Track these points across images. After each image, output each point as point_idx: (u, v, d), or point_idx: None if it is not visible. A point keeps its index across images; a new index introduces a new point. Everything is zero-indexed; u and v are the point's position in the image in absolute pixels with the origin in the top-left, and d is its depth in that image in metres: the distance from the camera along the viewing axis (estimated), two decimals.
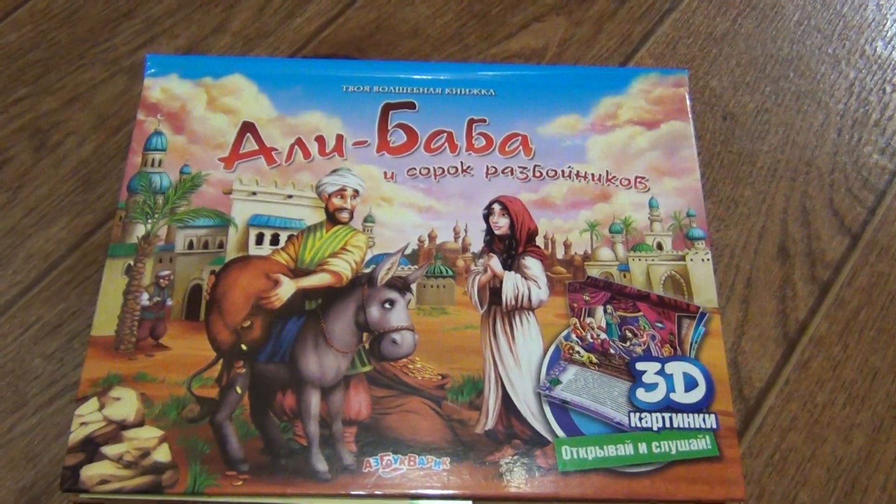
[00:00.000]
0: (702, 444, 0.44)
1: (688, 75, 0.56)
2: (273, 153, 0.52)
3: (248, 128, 0.53)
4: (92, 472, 0.43)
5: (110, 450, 0.43)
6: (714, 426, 0.44)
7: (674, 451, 0.44)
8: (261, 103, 0.54)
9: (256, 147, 0.53)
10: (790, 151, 0.56)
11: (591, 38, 0.61)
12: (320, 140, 0.53)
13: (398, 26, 0.61)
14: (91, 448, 0.43)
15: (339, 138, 0.53)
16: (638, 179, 0.52)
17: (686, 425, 0.44)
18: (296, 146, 0.53)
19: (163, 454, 0.44)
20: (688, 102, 0.54)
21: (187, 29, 0.61)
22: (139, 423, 0.44)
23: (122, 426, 0.44)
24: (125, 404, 0.45)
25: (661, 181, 0.52)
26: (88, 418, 0.44)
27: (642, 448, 0.44)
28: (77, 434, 0.44)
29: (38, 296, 0.50)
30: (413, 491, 0.43)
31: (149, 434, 0.44)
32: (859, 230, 0.53)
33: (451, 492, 0.43)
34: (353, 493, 0.43)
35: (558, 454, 0.44)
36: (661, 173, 0.52)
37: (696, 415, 0.45)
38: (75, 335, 0.49)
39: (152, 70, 0.55)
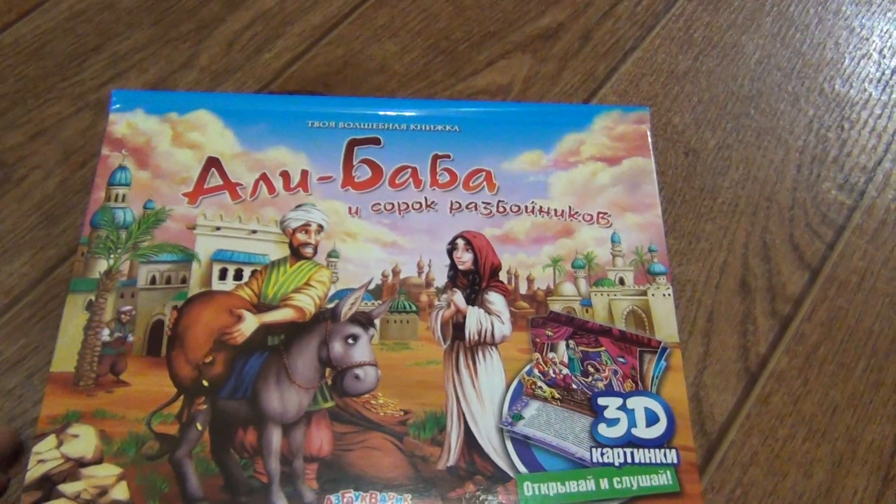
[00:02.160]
0: (663, 479, 0.44)
1: (649, 112, 0.57)
2: (238, 188, 0.53)
3: (212, 163, 0.53)
4: None
5: (67, 488, 0.43)
6: (675, 461, 0.44)
7: (635, 487, 0.44)
8: (226, 138, 0.54)
9: (221, 182, 0.53)
10: (751, 187, 0.57)
11: (555, 75, 0.62)
12: (285, 175, 0.53)
13: (365, 63, 0.62)
14: (48, 486, 0.43)
15: (305, 174, 0.53)
16: (600, 215, 0.53)
17: (647, 460, 0.45)
18: (260, 181, 0.53)
19: (121, 492, 0.43)
20: (649, 139, 0.55)
21: (155, 64, 0.61)
22: (97, 461, 0.44)
23: (80, 464, 0.44)
24: (83, 441, 0.44)
25: (622, 217, 0.52)
26: (46, 455, 0.44)
27: (604, 484, 0.44)
28: (34, 472, 0.43)
29: None
30: None
31: (107, 472, 0.44)
32: (819, 265, 0.53)
33: None
34: None
35: (520, 490, 0.44)
36: (622, 209, 0.53)
37: (657, 450, 0.45)
38: (35, 371, 0.49)
39: (118, 105, 0.55)
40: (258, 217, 0.52)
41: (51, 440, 0.44)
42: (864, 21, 0.66)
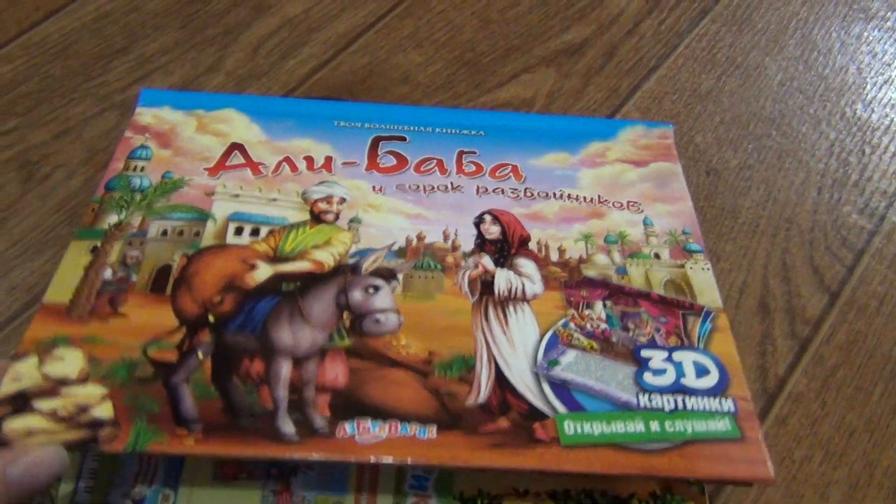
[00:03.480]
0: (720, 425, 0.41)
1: (672, 129, 0.58)
2: (260, 167, 0.52)
3: (236, 146, 0.53)
4: (17, 423, 0.38)
5: (43, 404, 0.39)
6: (732, 409, 0.41)
7: (689, 431, 0.41)
8: (251, 130, 0.54)
9: (243, 161, 0.52)
10: (771, 208, 0.57)
11: (579, 90, 0.62)
12: (309, 159, 0.53)
13: (390, 72, 0.62)
14: (21, 402, 0.39)
15: (329, 158, 0.53)
16: (630, 203, 0.52)
17: (701, 407, 0.42)
18: (283, 162, 0.52)
19: (104, 410, 0.39)
20: (674, 151, 0.55)
21: (181, 67, 0.62)
22: (82, 381, 0.40)
23: (62, 383, 0.40)
24: (68, 363, 0.41)
25: (653, 206, 0.51)
26: (24, 374, 0.40)
27: (654, 426, 0.41)
28: (7, 388, 0.39)
29: (19, 329, 0.50)
30: (394, 460, 0.39)
31: (91, 391, 0.40)
32: (838, 288, 0.53)
33: (439, 463, 0.39)
34: (324, 458, 0.39)
35: (560, 428, 0.41)
36: (653, 200, 0.52)
37: (711, 398, 0.42)
38: None
39: (145, 103, 0.55)
40: (279, 188, 0.51)
41: (32, 360, 0.41)
42: (886, 47, 0.66)
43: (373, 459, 0.39)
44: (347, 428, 0.40)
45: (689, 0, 0.68)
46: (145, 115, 0.54)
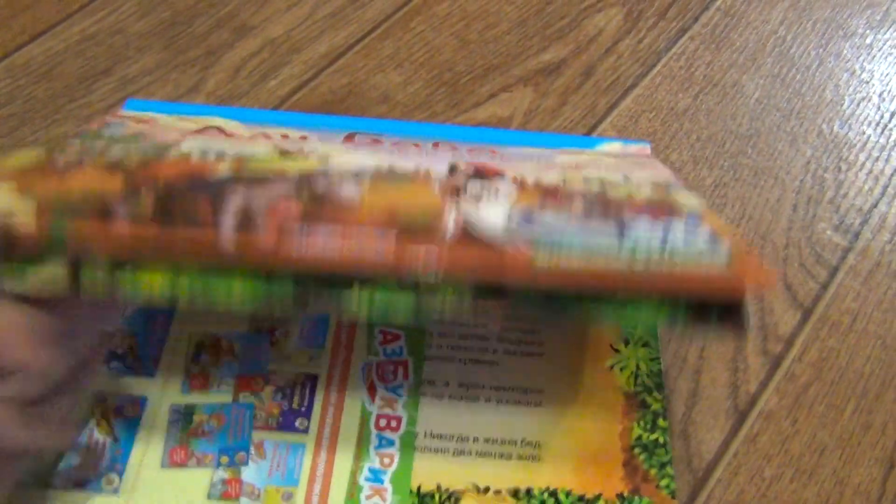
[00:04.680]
0: (711, 253, 0.34)
1: (650, 147, 0.58)
2: (235, 135, 0.51)
3: (214, 127, 0.52)
4: None
5: None
6: (727, 246, 0.34)
7: (679, 254, 0.34)
8: (233, 124, 0.54)
9: (216, 130, 0.51)
10: (746, 226, 0.57)
11: (555, 109, 0.62)
12: (285, 136, 0.52)
13: (369, 92, 0.63)
14: None
15: (304, 137, 0.52)
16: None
17: (691, 243, 0.35)
18: (260, 136, 0.51)
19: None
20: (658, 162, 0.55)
21: (163, 88, 0.63)
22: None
23: None
24: None
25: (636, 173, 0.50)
26: None
27: (639, 255, 0.35)
28: None
29: None
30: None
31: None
32: (811, 305, 0.53)
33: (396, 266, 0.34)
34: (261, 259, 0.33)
35: (535, 257, 0.34)
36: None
37: (702, 239, 0.35)
38: None
39: (129, 109, 0.56)
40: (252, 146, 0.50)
41: None
42: (864, 64, 0.67)
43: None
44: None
45: (667, 19, 0.69)
46: (127, 112, 0.55)
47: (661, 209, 0.39)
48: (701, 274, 0.33)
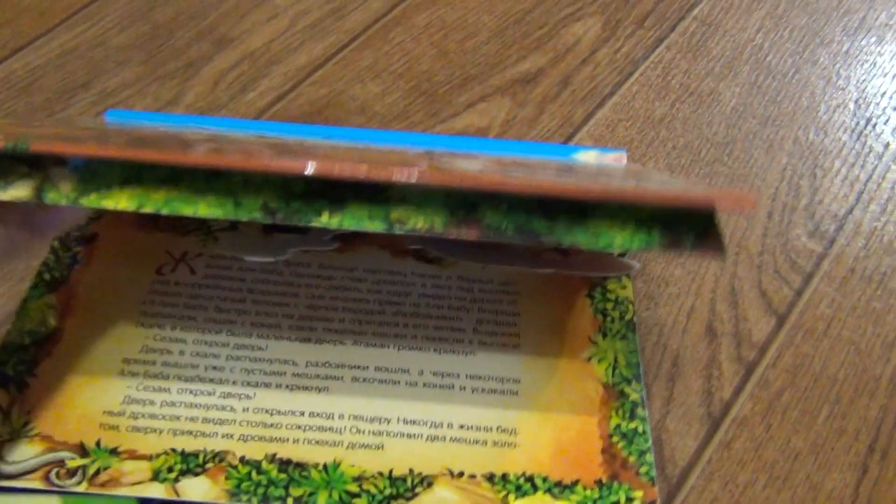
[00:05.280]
0: None
1: (626, 154, 0.58)
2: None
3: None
4: None
5: None
6: None
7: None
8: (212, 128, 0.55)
9: None
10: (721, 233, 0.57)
11: (533, 118, 0.63)
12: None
13: (347, 103, 0.63)
14: None
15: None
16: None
17: None
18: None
19: None
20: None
21: (142, 100, 0.63)
22: None
23: None
24: None
25: None
26: None
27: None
28: None
29: None
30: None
31: None
32: (786, 311, 0.54)
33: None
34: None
35: None
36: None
37: None
38: None
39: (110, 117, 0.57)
40: None
41: None
42: (841, 71, 0.67)
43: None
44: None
45: (645, 28, 0.69)
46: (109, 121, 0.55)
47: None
48: (670, 191, 0.33)
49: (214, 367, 0.47)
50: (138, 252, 0.51)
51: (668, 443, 0.49)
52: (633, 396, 0.48)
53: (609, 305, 0.52)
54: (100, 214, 0.53)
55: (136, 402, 0.45)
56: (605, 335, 0.50)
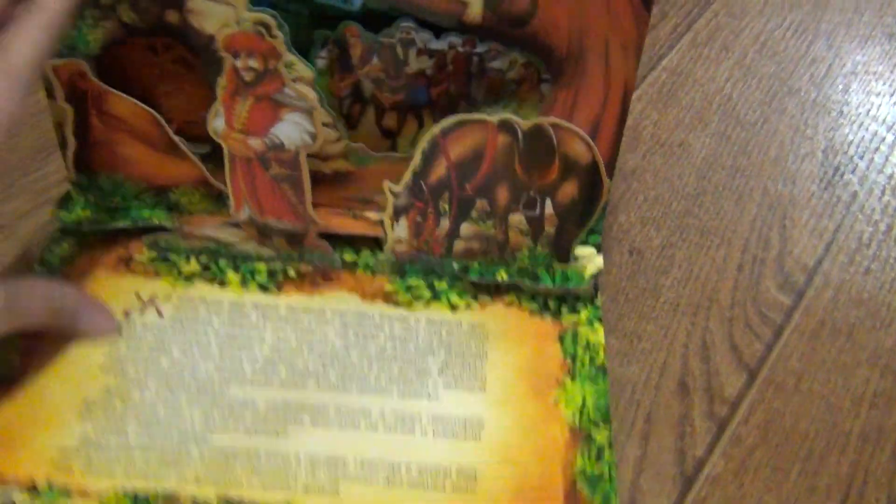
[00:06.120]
0: None
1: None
2: None
3: None
4: None
5: None
6: None
7: None
8: None
9: None
10: (692, 286, 0.58)
11: None
12: None
13: None
14: None
15: None
16: None
17: None
18: None
19: None
20: None
21: None
22: None
23: None
24: None
25: None
26: None
27: None
28: None
29: None
30: None
31: None
32: (757, 366, 0.54)
33: None
34: None
35: None
36: None
37: None
38: None
39: None
40: None
41: None
42: (808, 120, 0.68)
43: None
44: None
45: None
46: None
47: None
48: None
49: (174, 411, 0.47)
50: (107, 295, 0.51)
51: (641, 503, 0.49)
52: (600, 439, 0.48)
53: (580, 350, 0.52)
54: (73, 257, 0.53)
55: (92, 443, 0.45)
56: (573, 378, 0.51)
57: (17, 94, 0.41)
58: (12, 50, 0.41)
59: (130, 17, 0.48)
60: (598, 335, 0.52)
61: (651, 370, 0.54)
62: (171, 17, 0.48)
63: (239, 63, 0.47)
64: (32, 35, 0.42)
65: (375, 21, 0.49)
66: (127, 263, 0.53)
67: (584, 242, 0.55)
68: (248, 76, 0.48)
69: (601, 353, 0.52)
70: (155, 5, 0.47)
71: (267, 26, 0.46)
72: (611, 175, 0.52)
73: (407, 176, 0.51)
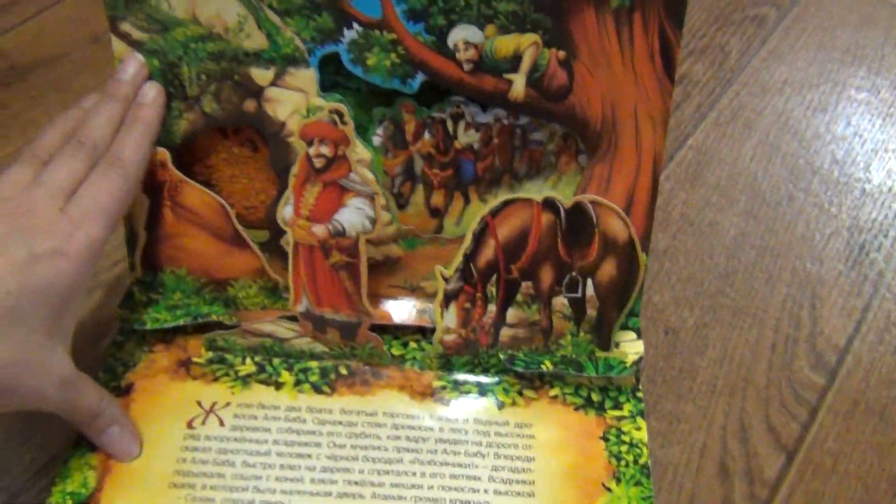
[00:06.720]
0: None
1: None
2: None
3: None
4: None
5: None
6: None
7: None
8: None
9: None
10: (728, 366, 0.59)
11: None
12: None
13: None
14: None
15: None
16: None
17: None
18: None
19: None
20: None
21: None
22: None
23: None
24: None
25: None
26: None
27: None
28: None
29: None
30: None
31: None
32: (794, 447, 0.56)
33: None
34: None
35: None
36: None
37: None
38: None
39: None
40: None
41: None
42: (832, 198, 0.70)
43: None
44: None
45: None
46: None
47: None
48: None
49: None
50: (171, 403, 0.53)
51: None
52: None
53: (623, 448, 0.53)
54: (136, 361, 0.54)
55: None
56: (618, 481, 0.52)
57: (131, 191, 0.47)
58: (125, 154, 0.47)
59: (212, 107, 0.50)
60: (642, 432, 0.54)
61: (691, 452, 0.55)
62: (249, 105, 0.50)
63: (311, 150, 0.50)
64: (137, 139, 0.47)
65: (428, 97, 0.52)
66: (187, 367, 0.54)
67: (625, 326, 0.56)
68: (318, 163, 0.50)
69: (645, 452, 0.53)
70: (236, 95, 0.50)
71: (340, 114, 0.49)
72: (646, 250, 0.54)
73: (458, 259, 0.53)
